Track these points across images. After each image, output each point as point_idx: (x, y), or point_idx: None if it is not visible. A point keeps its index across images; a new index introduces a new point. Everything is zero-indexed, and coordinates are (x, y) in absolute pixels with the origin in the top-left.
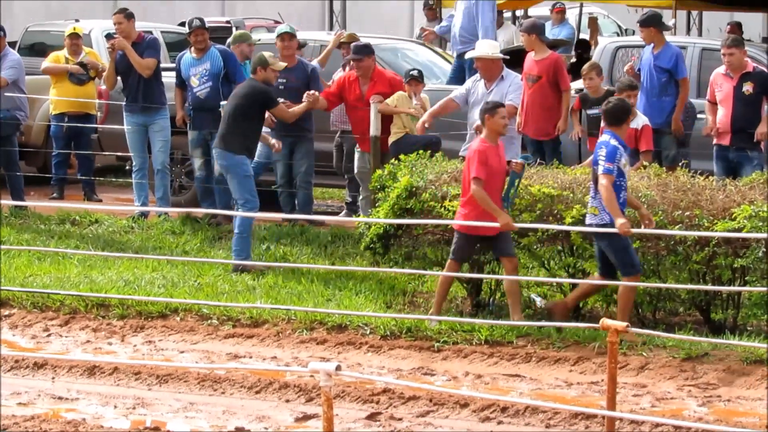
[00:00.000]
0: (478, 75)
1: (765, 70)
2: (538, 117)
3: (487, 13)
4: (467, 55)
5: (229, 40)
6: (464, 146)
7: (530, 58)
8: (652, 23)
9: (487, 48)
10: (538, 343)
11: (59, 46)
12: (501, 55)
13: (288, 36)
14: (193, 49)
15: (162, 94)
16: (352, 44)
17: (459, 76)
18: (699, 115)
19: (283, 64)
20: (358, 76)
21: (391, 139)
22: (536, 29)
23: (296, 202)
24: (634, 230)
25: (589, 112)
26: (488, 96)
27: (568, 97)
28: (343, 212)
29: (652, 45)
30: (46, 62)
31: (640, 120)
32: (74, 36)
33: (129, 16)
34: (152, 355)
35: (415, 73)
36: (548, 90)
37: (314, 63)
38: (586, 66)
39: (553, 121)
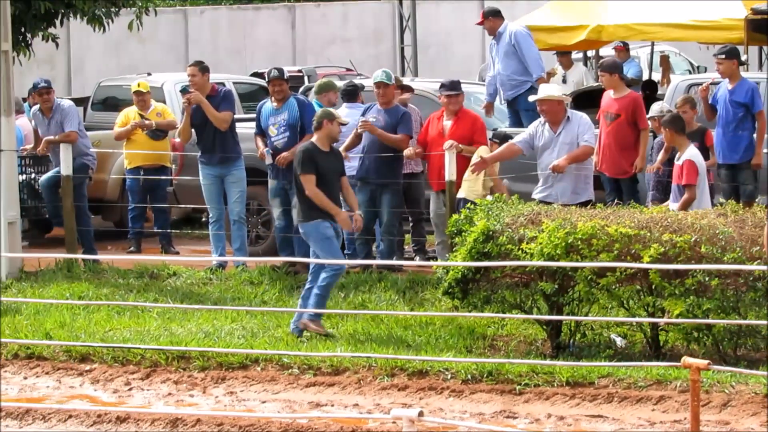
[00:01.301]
0: (541, 119)
1: None
2: (616, 155)
3: (530, 47)
4: (530, 99)
5: (314, 88)
6: (536, 189)
7: (608, 96)
8: (734, 56)
9: (552, 90)
10: (619, 384)
11: (132, 101)
12: (566, 96)
13: (383, 84)
14: (272, 98)
15: (237, 145)
16: (444, 81)
17: (517, 121)
18: None
19: (346, 119)
20: (442, 112)
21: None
22: (616, 68)
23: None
24: (713, 266)
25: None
26: (557, 139)
27: (647, 135)
28: (416, 258)
29: (727, 80)
30: (117, 127)
31: (685, 154)
32: (139, 93)
33: (204, 69)
34: (234, 405)
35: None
36: (626, 128)
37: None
38: (680, 100)
39: (630, 159)
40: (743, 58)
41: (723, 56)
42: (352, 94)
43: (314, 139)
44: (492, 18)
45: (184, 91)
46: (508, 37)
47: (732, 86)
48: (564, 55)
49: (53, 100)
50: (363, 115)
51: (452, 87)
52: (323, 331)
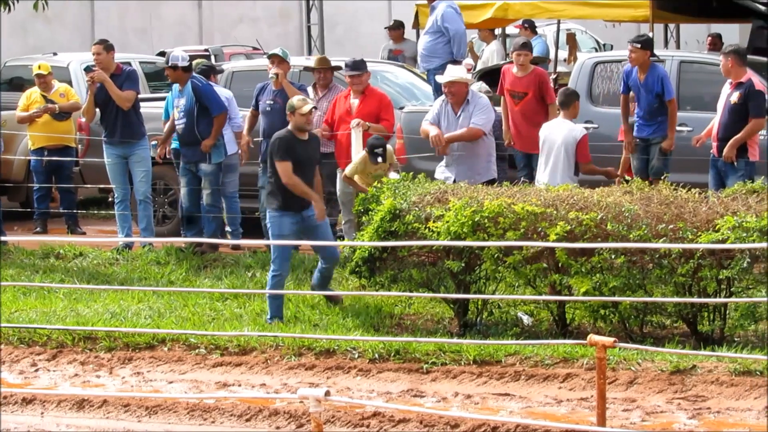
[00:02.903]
0: (443, 96)
1: (755, 84)
2: (526, 131)
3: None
4: (438, 79)
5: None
6: (437, 169)
7: (512, 74)
8: (648, 47)
9: (459, 72)
10: (526, 362)
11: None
12: (470, 79)
13: (278, 59)
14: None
15: (141, 125)
16: (348, 60)
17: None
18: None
19: (310, 107)
20: (349, 92)
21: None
22: (529, 47)
23: None
24: (619, 245)
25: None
26: (458, 120)
27: (554, 110)
28: None
29: (637, 69)
30: (19, 110)
31: (577, 131)
32: (40, 75)
33: (108, 47)
34: (141, 386)
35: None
36: (535, 104)
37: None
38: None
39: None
40: (649, 35)
41: (639, 45)
42: (206, 73)
43: (290, 126)
44: None
45: (88, 69)
46: (437, 14)
47: (643, 76)
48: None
49: None
50: (258, 95)
51: (356, 66)
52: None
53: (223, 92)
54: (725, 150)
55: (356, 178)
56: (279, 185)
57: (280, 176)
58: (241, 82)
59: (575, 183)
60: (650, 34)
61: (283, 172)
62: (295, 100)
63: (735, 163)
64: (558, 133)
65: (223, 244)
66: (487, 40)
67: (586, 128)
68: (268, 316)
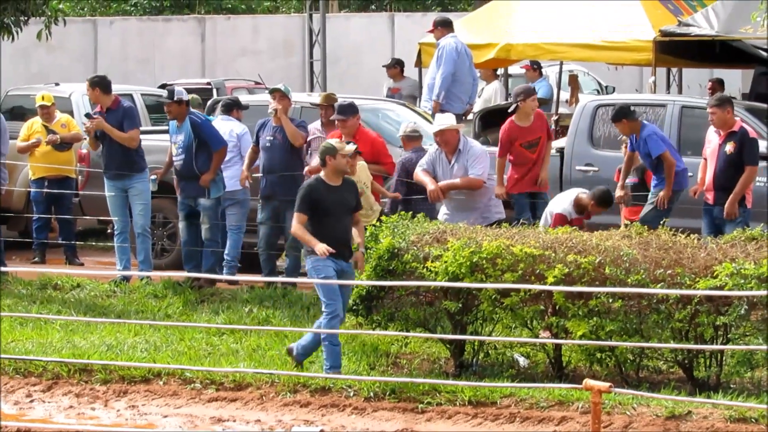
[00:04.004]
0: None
1: (749, 132)
2: (536, 172)
3: (445, 66)
4: (429, 129)
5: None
6: (441, 214)
7: (518, 127)
8: (623, 116)
9: (447, 120)
10: (521, 404)
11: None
12: (460, 125)
13: (279, 94)
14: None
15: (141, 159)
16: (337, 104)
17: None
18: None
19: (352, 147)
20: (340, 135)
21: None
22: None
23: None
24: (617, 289)
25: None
26: (452, 168)
27: (550, 147)
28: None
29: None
30: (20, 140)
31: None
32: (43, 106)
33: (93, 84)
34: (135, 419)
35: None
36: (547, 145)
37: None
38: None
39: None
40: (650, 80)
41: (612, 120)
42: (229, 107)
43: (321, 174)
44: (439, 28)
45: (88, 116)
46: (439, 49)
47: (637, 140)
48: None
49: None
50: (259, 131)
51: (342, 111)
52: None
53: (238, 126)
54: (726, 207)
55: None
56: (323, 230)
57: (292, 224)
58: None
59: None
60: (652, 78)
61: (294, 221)
62: (335, 141)
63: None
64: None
65: (221, 280)
66: (488, 80)
67: (586, 171)
68: (327, 366)
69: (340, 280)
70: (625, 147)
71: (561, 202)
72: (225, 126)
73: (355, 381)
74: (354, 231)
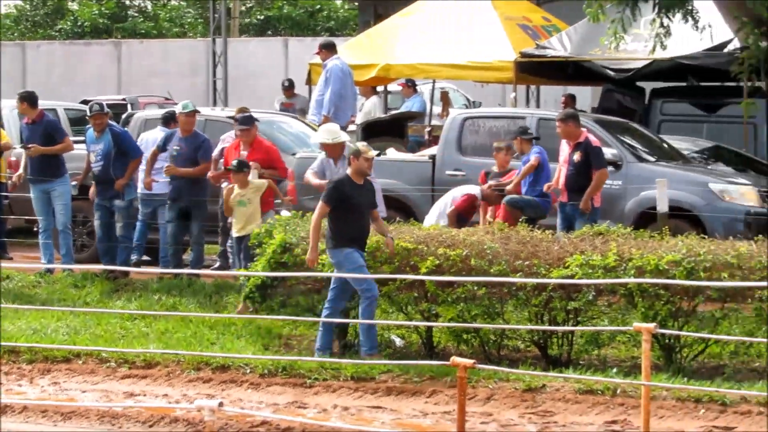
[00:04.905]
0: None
1: (592, 141)
2: None
3: (334, 84)
4: (312, 141)
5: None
6: None
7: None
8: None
9: (326, 135)
10: (397, 379)
11: None
12: (342, 140)
13: (192, 113)
14: (94, 129)
15: (62, 165)
16: (238, 116)
17: None
18: None
19: (374, 152)
20: (239, 143)
21: (241, 233)
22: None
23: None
24: (481, 279)
25: (492, 182)
26: (339, 171)
27: None
28: (218, 263)
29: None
30: None
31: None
32: None
33: (22, 99)
34: (58, 395)
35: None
36: None
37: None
38: (503, 143)
39: None
40: (511, 96)
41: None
42: (167, 120)
43: (348, 171)
44: (324, 50)
45: (25, 147)
46: (327, 70)
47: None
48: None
49: None
50: (165, 143)
51: (245, 122)
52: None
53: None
54: (582, 203)
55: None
56: (348, 224)
57: (314, 213)
58: (152, 128)
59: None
60: (513, 94)
61: (317, 210)
62: (360, 145)
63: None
64: None
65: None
66: (367, 95)
67: (454, 176)
68: (365, 349)
69: (336, 274)
70: (499, 153)
71: (467, 188)
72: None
73: (251, 360)
74: (377, 224)
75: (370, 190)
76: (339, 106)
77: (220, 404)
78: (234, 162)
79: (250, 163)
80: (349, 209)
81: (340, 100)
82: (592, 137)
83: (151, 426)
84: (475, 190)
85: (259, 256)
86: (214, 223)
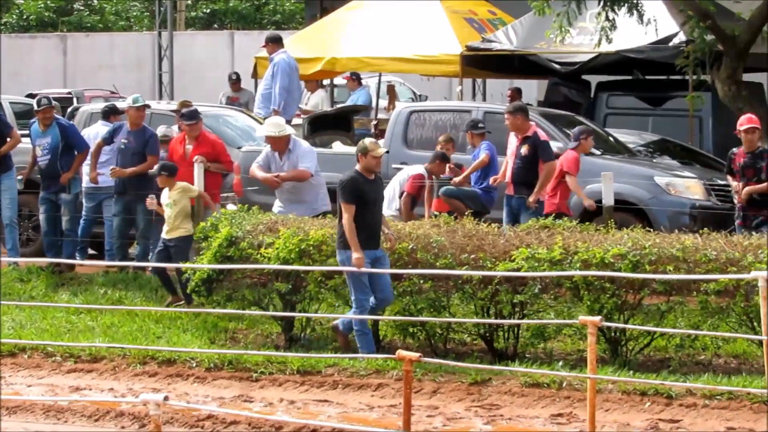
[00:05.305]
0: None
1: (540, 135)
2: None
3: (282, 79)
4: (257, 134)
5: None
6: (276, 205)
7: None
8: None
9: (271, 128)
10: (343, 372)
11: None
12: (286, 133)
13: (142, 107)
14: (39, 122)
15: (8, 158)
16: (184, 111)
17: None
18: None
19: (383, 150)
20: (184, 137)
21: (169, 235)
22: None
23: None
24: (427, 271)
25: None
26: (283, 166)
27: None
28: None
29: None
30: None
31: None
32: None
33: None
34: (2, 389)
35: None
36: None
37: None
38: (443, 137)
39: None
40: (458, 89)
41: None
42: (107, 114)
43: (358, 167)
44: (270, 44)
45: None
46: (274, 64)
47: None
48: (310, 81)
49: None
50: (112, 136)
51: (191, 116)
52: (344, 341)
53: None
54: (531, 198)
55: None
56: (361, 224)
57: (343, 217)
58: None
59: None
60: (459, 88)
61: (345, 214)
62: (368, 142)
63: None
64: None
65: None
66: (312, 90)
67: (401, 168)
68: (345, 323)
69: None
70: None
71: (411, 169)
72: (104, 130)
73: (197, 353)
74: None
75: (380, 185)
76: (286, 101)
77: (166, 398)
78: (157, 165)
79: (196, 157)
80: (362, 205)
81: (288, 94)
82: (540, 131)
83: (96, 420)
84: (419, 169)
85: (206, 250)
86: (160, 217)
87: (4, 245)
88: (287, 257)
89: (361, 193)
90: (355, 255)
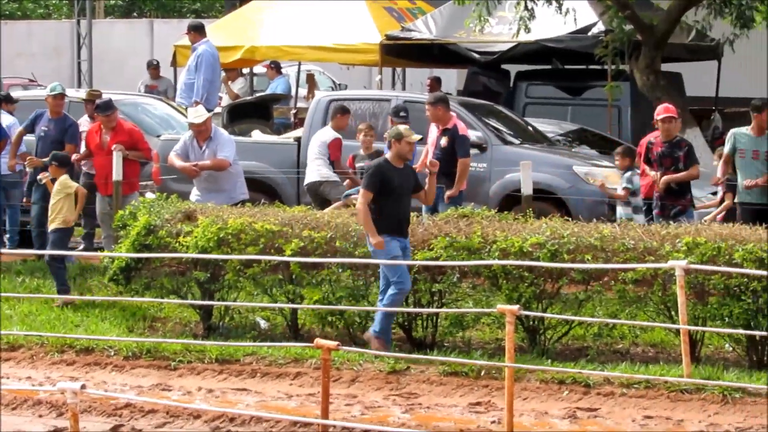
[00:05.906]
0: (191, 132)
1: (459, 129)
2: None
3: (206, 71)
4: (185, 121)
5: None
6: (193, 195)
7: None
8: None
9: (193, 117)
10: (262, 361)
11: None
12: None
13: (60, 95)
14: None
15: None
16: (96, 101)
17: None
18: None
19: (418, 136)
20: (99, 126)
21: (49, 226)
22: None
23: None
24: (346, 260)
25: (360, 165)
26: (203, 154)
27: None
28: (82, 246)
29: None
30: None
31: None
32: None
33: None
34: None
35: None
36: None
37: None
38: (363, 125)
39: None
40: (377, 78)
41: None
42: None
43: (388, 155)
44: (193, 32)
45: None
46: (198, 55)
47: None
48: (231, 69)
49: None
50: (33, 122)
51: (107, 107)
52: (384, 349)
53: (8, 119)
54: (450, 192)
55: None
56: (386, 212)
57: (358, 201)
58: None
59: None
60: (379, 77)
61: (361, 199)
62: (402, 128)
63: (445, 192)
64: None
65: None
66: (232, 79)
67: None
68: (376, 330)
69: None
70: (359, 134)
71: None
72: (6, 118)
73: (115, 342)
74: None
75: (410, 173)
76: (209, 91)
77: (83, 386)
78: (51, 155)
79: (114, 146)
80: (389, 193)
81: (210, 85)
82: (461, 124)
83: (14, 409)
84: (331, 132)
85: (124, 238)
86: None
87: None
88: (206, 246)
89: (385, 181)
90: (373, 240)
